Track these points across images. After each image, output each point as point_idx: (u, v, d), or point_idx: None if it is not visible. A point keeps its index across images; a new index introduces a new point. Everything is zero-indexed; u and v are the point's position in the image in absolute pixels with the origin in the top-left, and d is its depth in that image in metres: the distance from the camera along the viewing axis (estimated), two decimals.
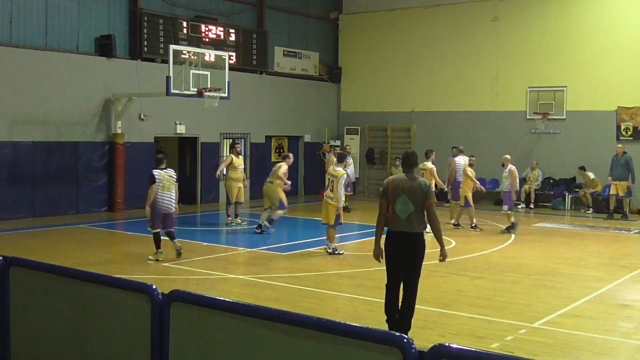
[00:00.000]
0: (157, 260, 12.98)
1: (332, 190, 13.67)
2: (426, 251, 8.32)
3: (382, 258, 8.29)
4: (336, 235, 14.29)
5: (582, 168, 22.36)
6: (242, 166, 18.30)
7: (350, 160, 21.27)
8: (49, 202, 19.03)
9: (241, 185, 17.99)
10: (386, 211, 8.18)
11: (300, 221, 19.16)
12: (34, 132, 18.88)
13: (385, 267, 8.35)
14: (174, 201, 13.11)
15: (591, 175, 22.26)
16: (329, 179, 13.90)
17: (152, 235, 13.10)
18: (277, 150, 25.97)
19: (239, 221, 18.07)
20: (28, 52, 18.67)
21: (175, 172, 13.62)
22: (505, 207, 17.68)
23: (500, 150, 24.50)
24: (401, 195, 8.10)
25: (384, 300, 8.40)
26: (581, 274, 12.76)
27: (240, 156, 18.21)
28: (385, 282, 8.37)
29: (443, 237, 8.49)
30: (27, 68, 18.62)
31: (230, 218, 18.04)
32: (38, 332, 5.96)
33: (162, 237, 13.08)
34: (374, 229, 8.46)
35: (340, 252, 13.94)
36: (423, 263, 8.31)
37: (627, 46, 22.60)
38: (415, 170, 8.44)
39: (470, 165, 18.50)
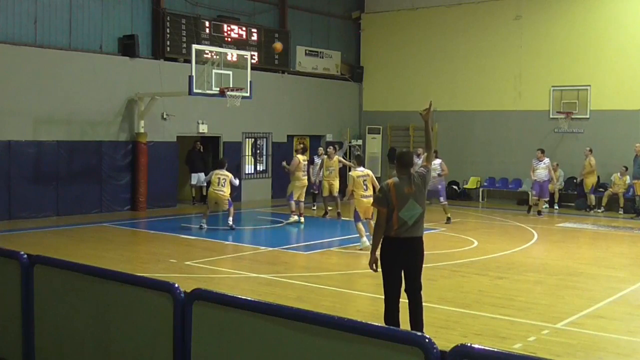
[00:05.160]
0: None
1: (366, 189, 13.90)
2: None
3: (377, 267, 7.84)
4: (357, 234, 14.31)
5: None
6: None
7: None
8: (73, 200, 19.19)
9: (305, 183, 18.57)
10: (388, 219, 7.64)
11: (321, 220, 19.17)
12: (58, 131, 19.05)
13: (383, 278, 7.81)
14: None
15: (618, 175, 22.05)
16: (362, 181, 13.98)
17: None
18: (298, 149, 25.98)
19: (297, 218, 18.27)
20: (52, 52, 18.84)
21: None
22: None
23: (523, 150, 24.46)
24: (408, 201, 7.63)
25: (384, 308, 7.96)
26: (605, 274, 12.65)
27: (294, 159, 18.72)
28: (384, 293, 7.83)
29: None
30: (51, 68, 18.79)
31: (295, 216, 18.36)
32: (62, 330, 6.02)
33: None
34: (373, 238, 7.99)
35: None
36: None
37: None
38: (409, 170, 7.87)
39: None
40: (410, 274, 7.78)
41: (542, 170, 20.38)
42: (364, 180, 13.97)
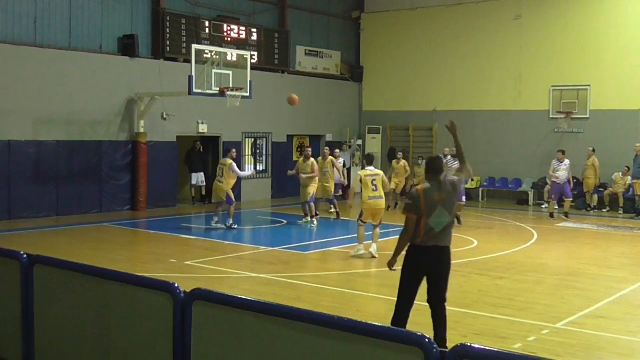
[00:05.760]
0: None
1: (376, 190, 13.32)
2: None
3: (394, 268, 7.83)
4: (356, 234, 14.23)
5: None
6: (306, 170, 18.36)
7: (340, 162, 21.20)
8: (73, 200, 19.19)
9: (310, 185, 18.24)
10: (416, 227, 7.46)
11: (321, 220, 19.16)
12: (58, 131, 19.04)
13: (400, 284, 7.71)
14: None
15: (619, 174, 22.06)
16: (372, 181, 13.33)
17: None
18: (299, 150, 26.01)
19: (309, 220, 18.21)
20: (52, 52, 18.84)
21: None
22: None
23: (523, 150, 24.50)
24: (436, 208, 7.42)
25: (416, 303, 7.88)
26: (605, 274, 12.65)
27: (308, 160, 18.41)
28: (397, 298, 7.72)
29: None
30: (51, 68, 18.79)
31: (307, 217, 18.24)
32: (62, 330, 6.02)
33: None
34: (397, 238, 7.81)
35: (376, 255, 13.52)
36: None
37: None
38: (440, 176, 7.69)
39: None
40: (434, 284, 7.60)
41: (563, 172, 19.86)
42: (373, 180, 13.29)
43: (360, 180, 13.45)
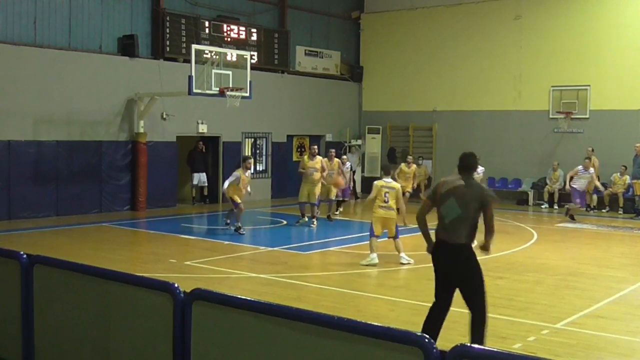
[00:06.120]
0: None
1: (387, 202, 13.01)
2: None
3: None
4: (357, 234, 14.23)
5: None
6: (313, 168, 18.12)
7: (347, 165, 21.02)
8: (73, 200, 19.19)
9: (316, 185, 18.06)
10: (428, 210, 7.56)
11: (321, 220, 19.15)
12: (58, 131, 19.04)
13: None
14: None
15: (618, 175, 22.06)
16: (384, 192, 13.04)
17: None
18: (299, 150, 26.02)
19: (306, 220, 18.16)
20: (52, 52, 18.84)
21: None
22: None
23: (523, 150, 24.49)
24: (449, 198, 7.35)
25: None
26: (605, 274, 12.65)
27: (315, 157, 18.27)
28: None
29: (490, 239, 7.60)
30: (51, 68, 18.79)
31: (305, 218, 18.16)
32: (61, 330, 6.02)
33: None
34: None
35: (410, 261, 13.23)
36: (481, 278, 7.45)
37: None
38: (471, 174, 7.55)
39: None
40: (457, 284, 7.44)
41: (585, 179, 19.57)
42: (386, 192, 13.01)
43: (377, 190, 13.19)
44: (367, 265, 12.86)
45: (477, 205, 7.34)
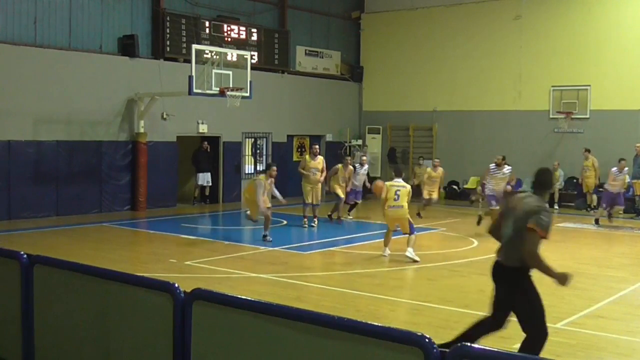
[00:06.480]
0: None
1: (397, 199, 13.35)
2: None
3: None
4: (357, 234, 14.23)
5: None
6: (315, 169, 18.03)
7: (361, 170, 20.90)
8: (73, 200, 19.19)
9: (318, 186, 18.03)
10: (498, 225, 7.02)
11: (322, 220, 19.16)
12: (58, 131, 19.04)
13: None
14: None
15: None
16: (395, 191, 13.41)
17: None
18: (299, 150, 26.02)
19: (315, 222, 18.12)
20: (52, 52, 18.83)
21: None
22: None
23: (523, 150, 24.46)
24: (508, 217, 6.82)
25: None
26: (605, 274, 12.65)
27: (317, 157, 18.21)
28: None
29: (544, 268, 6.73)
30: (51, 68, 18.79)
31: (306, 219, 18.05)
32: (61, 329, 6.02)
33: None
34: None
35: (416, 259, 13.29)
36: (530, 301, 6.87)
37: None
38: (544, 191, 6.93)
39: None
40: (511, 309, 6.94)
41: (621, 181, 19.26)
42: (397, 191, 13.42)
43: (387, 190, 13.56)
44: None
45: (523, 223, 6.60)
